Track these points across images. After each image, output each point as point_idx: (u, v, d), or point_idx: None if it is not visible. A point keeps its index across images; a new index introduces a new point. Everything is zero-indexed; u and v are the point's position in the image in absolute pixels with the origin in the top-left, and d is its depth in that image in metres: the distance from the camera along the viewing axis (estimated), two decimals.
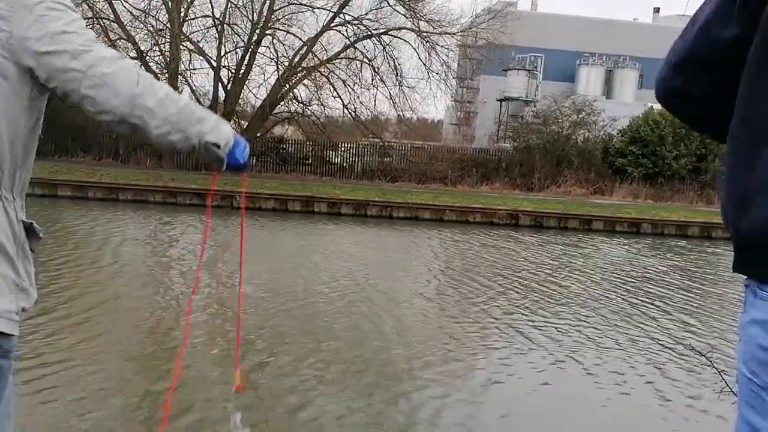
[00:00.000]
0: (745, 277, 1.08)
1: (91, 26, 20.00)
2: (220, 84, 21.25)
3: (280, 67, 21.23)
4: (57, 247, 9.21)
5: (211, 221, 13.46)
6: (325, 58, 21.59)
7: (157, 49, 20.72)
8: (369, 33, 21.29)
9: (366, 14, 21.49)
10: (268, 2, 20.30)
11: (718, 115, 1.11)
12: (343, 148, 23.10)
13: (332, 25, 21.38)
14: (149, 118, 1.46)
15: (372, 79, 21.73)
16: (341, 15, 21.26)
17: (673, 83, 1.14)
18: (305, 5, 21.12)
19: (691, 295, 9.48)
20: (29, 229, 1.51)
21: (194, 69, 21.99)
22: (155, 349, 5.57)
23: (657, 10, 42.04)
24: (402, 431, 4.34)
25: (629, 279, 10.30)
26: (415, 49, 21.71)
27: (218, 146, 1.56)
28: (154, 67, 20.60)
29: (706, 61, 1.07)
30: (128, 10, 20.34)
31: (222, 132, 1.57)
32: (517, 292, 8.68)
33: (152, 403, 4.36)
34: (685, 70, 1.11)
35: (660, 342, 6.75)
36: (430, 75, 21.80)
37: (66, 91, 1.45)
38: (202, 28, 21.45)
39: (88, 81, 1.42)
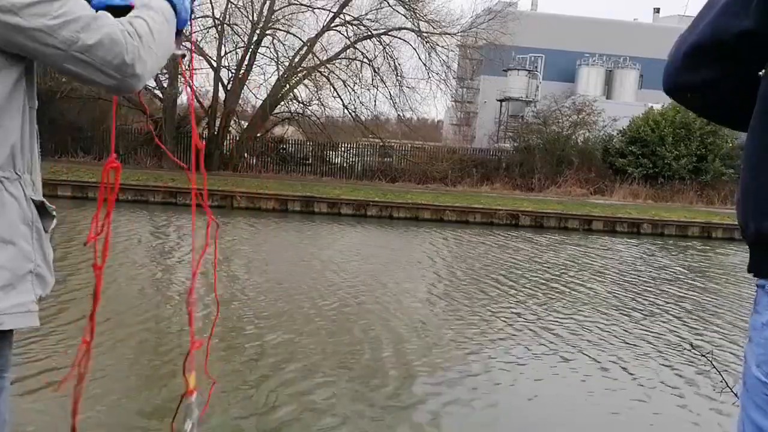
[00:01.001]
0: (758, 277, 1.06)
1: None
2: (220, 84, 21.25)
3: (280, 67, 21.24)
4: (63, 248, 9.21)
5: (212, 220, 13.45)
6: (325, 58, 21.60)
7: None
8: (369, 33, 21.29)
9: (366, 14, 21.51)
10: (268, 2, 20.30)
11: (726, 105, 1.09)
12: (343, 149, 23.12)
13: (332, 25, 21.38)
14: (145, 71, 1.37)
15: (372, 80, 21.76)
16: (341, 15, 21.27)
17: (681, 73, 1.12)
18: (305, 5, 21.12)
19: (695, 295, 9.47)
20: (41, 208, 1.39)
21: (194, 69, 21.97)
22: (169, 353, 5.57)
23: (657, 10, 42.05)
24: None
25: (631, 277, 10.30)
26: (415, 49, 21.75)
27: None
28: None
29: (716, 51, 1.06)
30: None
31: (174, 31, 1.55)
32: (522, 292, 8.68)
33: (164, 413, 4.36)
34: (694, 60, 1.09)
35: (660, 341, 6.74)
36: (431, 75, 21.83)
37: (43, 62, 1.32)
38: (202, 28, 21.43)
39: (70, 58, 1.27)
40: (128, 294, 7.20)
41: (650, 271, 11.21)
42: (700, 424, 4.83)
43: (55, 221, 1.47)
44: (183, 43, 1.66)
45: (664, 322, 7.65)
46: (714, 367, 3.71)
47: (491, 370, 5.58)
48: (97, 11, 1.43)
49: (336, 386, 4.90)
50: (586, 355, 6.13)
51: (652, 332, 7.11)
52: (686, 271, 11.56)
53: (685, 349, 6.40)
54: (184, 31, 1.61)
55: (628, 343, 6.61)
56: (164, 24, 1.46)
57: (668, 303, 8.74)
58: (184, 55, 1.69)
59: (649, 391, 5.31)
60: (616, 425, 4.72)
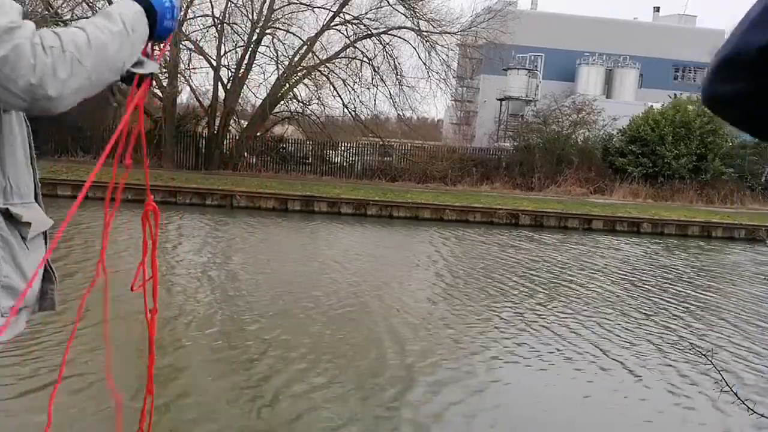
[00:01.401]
0: None
1: None
2: (220, 83, 21.24)
3: (280, 66, 21.22)
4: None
5: (213, 220, 13.46)
6: (325, 57, 21.58)
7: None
8: (369, 32, 21.27)
9: (366, 13, 21.49)
10: (268, 2, 20.29)
11: (757, 117, 1.10)
12: (343, 148, 23.10)
13: (332, 24, 21.36)
14: (64, 92, 1.16)
15: (372, 79, 21.73)
16: (341, 14, 21.25)
17: (712, 85, 1.13)
18: (305, 4, 21.10)
19: (696, 294, 9.47)
20: (8, 215, 1.30)
21: (194, 68, 22.00)
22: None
23: (657, 9, 42.00)
24: None
25: (633, 276, 10.30)
26: (415, 48, 21.72)
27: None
28: None
29: (742, 63, 1.07)
30: None
31: (141, 43, 1.33)
32: (523, 291, 8.68)
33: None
34: (723, 72, 1.10)
35: (660, 340, 6.74)
36: (430, 74, 21.80)
37: None
38: (202, 27, 21.42)
39: None
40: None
41: (652, 270, 11.20)
42: (700, 423, 4.83)
43: (39, 226, 1.36)
44: (154, 57, 1.41)
45: (664, 320, 7.65)
46: (714, 366, 3.71)
47: (498, 371, 5.58)
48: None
49: (339, 386, 4.90)
50: (586, 354, 6.13)
51: (652, 331, 7.10)
52: (686, 270, 11.56)
53: (685, 348, 6.40)
54: (169, 40, 1.38)
55: (627, 342, 6.60)
56: (121, 36, 1.26)
57: (668, 302, 8.73)
58: (151, 75, 1.40)
59: (648, 390, 5.31)
60: (616, 424, 4.72)
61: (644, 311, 8.06)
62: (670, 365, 5.97)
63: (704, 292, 9.69)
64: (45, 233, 1.49)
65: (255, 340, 5.85)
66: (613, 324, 7.30)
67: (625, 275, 10.55)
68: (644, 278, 10.40)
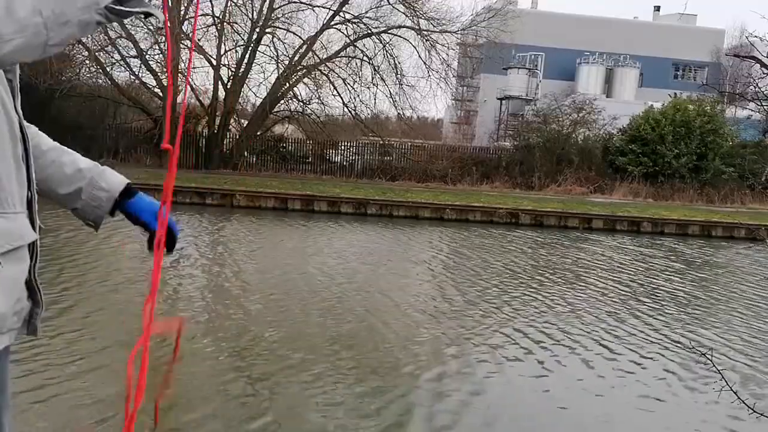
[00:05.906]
0: None
1: None
2: (220, 83, 21.25)
3: (280, 65, 21.23)
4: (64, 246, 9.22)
5: (213, 219, 13.45)
6: (325, 56, 21.59)
7: (157, 47, 20.70)
8: (369, 31, 21.29)
9: (366, 12, 21.51)
10: (268, 1, 20.29)
11: None
12: (343, 147, 23.12)
13: (332, 23, 21.37)
14: (8, 26, 0.94)
15: (372, 78, 21.75)
16: (341, 13, 21.26)
17: None
18: (305, 3, 21.11)
19: (694, 293, 9.47)
20: None
21: (194, 68, 21.97)
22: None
23: (657, 8, 42.00)
24: None
25: (629, 275, 10.30)
26: (415, 47, 21.74)
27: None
28: (154, 66, 20.62)
29: None
30: None
31: None
32: (521, 291, 8.68)
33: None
34: None
35: (659, 341, 6.74)
36: (430, 73, 21.82)
37: None
38: (202, 26, 21.44)
39: None
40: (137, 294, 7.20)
41: (649, 269, 11.20)
42: (701, 421, 4.83)
43: (9, 240, 1.22)
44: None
45: (663, 319, 7.64)
46: (714, 366, 3.71)
47: (501, 369, 5.58)
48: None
49: (338, 387, 4.90)
50: (583, 352, 6.14)
51: (651, 330, 7.10)
52: (686, 269, 11.56)
53: (684, 347, 6.40)
54: None
55: (626, 342, 6.60)
56: None
57: (667, 300, 8.73)
58: (146, 14, 1.09)
59: (648, 390, 5.31)
60: (616, 423, 4.72)
61: (641, 310, 8.06)
62: (667, 364, 5.97)
63: (700, 292, 9.68)
64: (33, 246, 1.31)
65: (249, 341, 5.85)
66: (607, 322, 7.30)
67: (622, 274, 10.56)
68: (640, 277, 10.40)
